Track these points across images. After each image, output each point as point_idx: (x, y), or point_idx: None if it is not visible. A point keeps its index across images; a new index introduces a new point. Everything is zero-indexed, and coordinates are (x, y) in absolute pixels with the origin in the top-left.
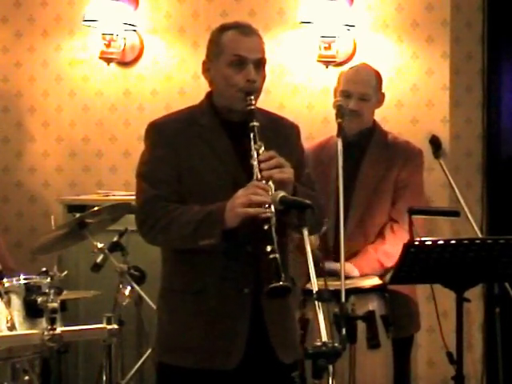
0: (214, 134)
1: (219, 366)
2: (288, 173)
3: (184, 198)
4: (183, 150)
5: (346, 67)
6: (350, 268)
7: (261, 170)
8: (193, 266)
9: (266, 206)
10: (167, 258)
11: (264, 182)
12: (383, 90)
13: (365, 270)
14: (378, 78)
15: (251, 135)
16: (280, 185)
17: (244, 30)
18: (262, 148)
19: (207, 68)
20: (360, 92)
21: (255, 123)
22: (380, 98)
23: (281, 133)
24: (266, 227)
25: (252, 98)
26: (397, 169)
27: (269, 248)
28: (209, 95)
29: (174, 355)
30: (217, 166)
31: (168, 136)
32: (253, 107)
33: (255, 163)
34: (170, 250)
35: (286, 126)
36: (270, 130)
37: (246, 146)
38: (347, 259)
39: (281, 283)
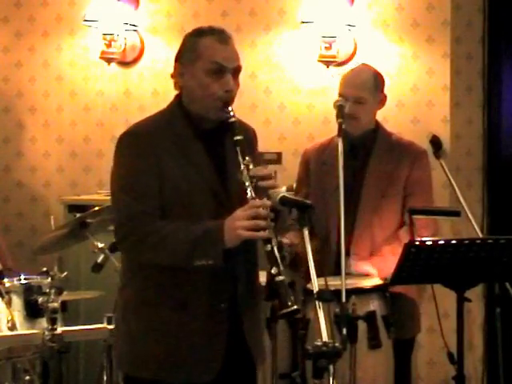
0: (189, 145)
1: (197, 379)
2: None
3: (164, 210)
4: (162, 161)
5: (346, 67)
6: (369, 269)
7: (255, 188)
8: (170, 281)
9: None
10: (138, 269)
11: (257, 200)
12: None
13: (384, 271)
14: (376, 79)
15: (238, 150)
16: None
17: (221, 36)
18: (251, 164)
19: (181, 72)
20: (354, 96)
21: (239, 137)
22: (381, 99)
23: (246, 136)
24: (268, 248)
25: (231, 109)
26: (405, 171)
27: (274, 270)
28: (177, 100)
29: (151, 369)
30: (194, 177)
31: (147, 147)
32: (235, 119)
33: (247, 180)
34: (145, 265)
35: (247, 129)
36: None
37: (220, 155)
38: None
39: (293, 308)
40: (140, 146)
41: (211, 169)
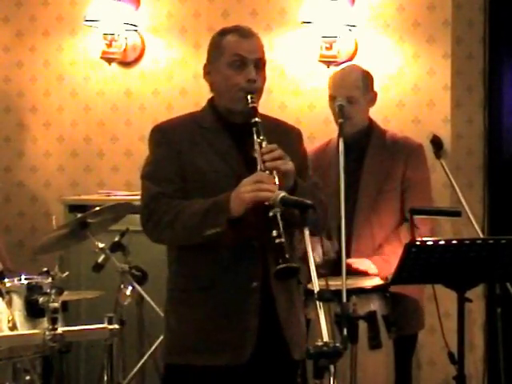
0: (217, 136)
1: (231, 361)
2: (290, 164)
3: (189, 198)
4: (187, 151)
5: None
6: (369, 266)
7: (264, 162)
8: (200, 263)
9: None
10: (173, 258)
11: (268, 172)
12: (384, 90)
13: (385, 270)
14: (365, 78)
15: (254, 130)
16: (283, 176)
17: (244, 32)
18: (265, 142)
19: (208, 71)
20: (346, 96)
21: (257, 119)
22: (371, 98)
23: (283, 136)
24: (270, 214)
25: (253, 96)
26: (401, 167)
27: (275, 233)
28: (210, 101)
29: (185, 355)
30: (221, 166)
31: (171, 137)
32: (255, 104)
33: (258, 155)
34: (177, 250)
35: (288, 129)
36: (272, 133)
37: (249, 147)
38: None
39: (288, 264)
40: (162, 136)
41: (239, 158)
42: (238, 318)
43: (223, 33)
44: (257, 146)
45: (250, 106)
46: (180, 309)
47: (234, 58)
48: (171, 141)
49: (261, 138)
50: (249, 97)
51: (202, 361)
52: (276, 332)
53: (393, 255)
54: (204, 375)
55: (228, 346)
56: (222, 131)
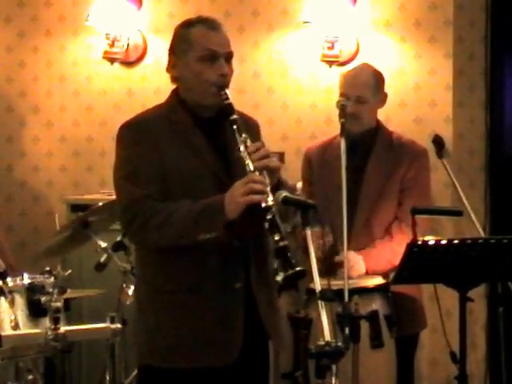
0: (189, 132)
1: (217, 363)
2: (276, 161)
3: (167, 197)
4: (163, 149)
5: (349, 67)
6: (359, 262)
7: (252, 161)
8: (181, 266)
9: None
10: (150, 260)
11: (257, 172)
12: (386, 90)
13: (372, 266)
14: (377, 78)
15: (234, 127)
16: (271, 173)
17: (212, 24)
18: (249, 140)
19: (174, 64)
20: (356, 95)
21: (235, 116)
22: (382, 98)
23: (248, 128)
24: (269, 217)
25: (227, 91)
26: (403, 169)
27: (277, 236)
28: (175, 93)
29: (171, 357)
30: (197, 163)
31: (147, 134)
32: (230, 101)
33: (245, 155)
34: (155, 252)
35: (251, 122)
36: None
37: (221, 142)
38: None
39: (295, 269)
40: (137, 134)
41: (213, 155)
42: (224, 318)
43: (189, 25)
44: (242, 146)
45: (226, 102)
46: (162, 310)
47: (205, 53)
48: (148, 138)
49: (243, 135)
50: (223, 93)
51: (190, 363)
52: (259, 328)
53: (381, 248)
54: (191, 377)
55: (216, 346)
56: (192, 126)
